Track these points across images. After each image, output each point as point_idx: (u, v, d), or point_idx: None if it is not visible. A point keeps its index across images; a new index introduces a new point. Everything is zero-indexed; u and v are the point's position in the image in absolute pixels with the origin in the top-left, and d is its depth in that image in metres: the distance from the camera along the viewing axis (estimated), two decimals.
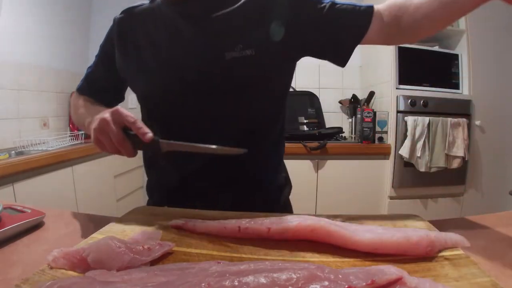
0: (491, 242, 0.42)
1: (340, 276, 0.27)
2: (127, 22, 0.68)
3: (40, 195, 1.38)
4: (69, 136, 1.88)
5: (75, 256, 0.35)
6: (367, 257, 0.36)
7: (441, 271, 0.32)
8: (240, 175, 0.65)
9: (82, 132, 1.96)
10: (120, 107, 0.52)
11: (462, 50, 1.90)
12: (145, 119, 0.69)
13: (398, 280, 0.27)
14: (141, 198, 2.44)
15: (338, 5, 0.59)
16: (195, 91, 0.61)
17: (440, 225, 0.47)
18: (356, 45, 0.61)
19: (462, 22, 1.87)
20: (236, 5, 0.61)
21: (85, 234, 0.44)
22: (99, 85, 0.73)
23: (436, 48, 1.95)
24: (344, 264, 0.34)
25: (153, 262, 0.35)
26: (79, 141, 1.88)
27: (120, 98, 0.77)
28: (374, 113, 1.88)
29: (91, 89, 0.74)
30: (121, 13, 0.70)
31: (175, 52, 0.61)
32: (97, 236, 0.42)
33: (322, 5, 0.59)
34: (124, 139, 0.50)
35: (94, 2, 2.45)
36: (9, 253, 0.41)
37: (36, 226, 0.50)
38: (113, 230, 0.45)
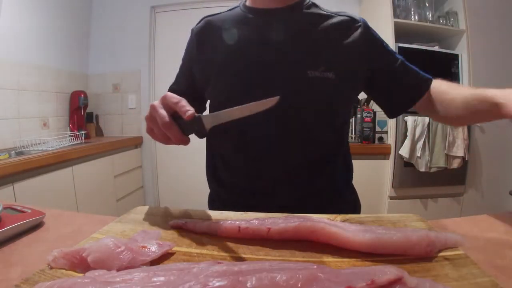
0: (491, 242, 0.42)
1: (340, 276, 0.27)
2: (206, 29, 0.69)
3: (40, 195, 1.38)
4: (69, 136, 1.88)
5: (75, 256, 0.35)
6: (367, 257, 0.36)
7: (441, 271, 0.32)
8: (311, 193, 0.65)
9: (82, 132, 1.96)
10: (168, 92, 0.49)
11: (462, 50, 1.90)
12: (216, 131, 0.70)
13: (398, 280, 0.27)
14: (141, 198, 2.44)
15: (407, 65, 0.67)
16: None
17: (440, 225, 0.47)
18: (410, 106, 0.67)
19: (462, 22, 1.87)
20: (323, 25, 0.63)
21: (85, 234, 0.44)
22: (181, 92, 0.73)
23: (436, 48, 1.95)
24: (344, 264, 0.34)
25: (153, 262, 0.35)
26: (79, 141, 1.88)
27: (202, 110, 0.75)
28: (374, 113, 1.88)
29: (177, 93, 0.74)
30: (198, 23, 0.71)
31: (260, 59, 0.62)
32: (97, 236, 0.42)
33: (396, 58, 0.66)
34: (171, 123, 0.45)
35: (95, 2, 2.46)
36: (9, 253, 0.41)
37: (36, 226, 0.50)
38: (113, 230, 0.45)
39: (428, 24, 1.93)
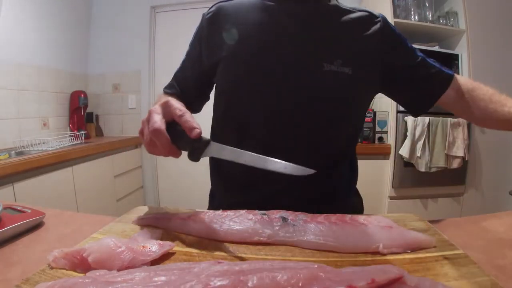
0: (491, 242, 0.42)
1: (341, 276, 0.27)
2: (218, 14, 0.65)
3: (40, 195, 1.38)
4: (69, 136, 1.88)
5: (76, 256, 0.35)
6: (367, 256, 0.36)
7: (441, 270, 0.32)
8: (320, 194, 0.63)
9: (82, 132, 1.96)
10: (173, 99, 0.47)
11: (462, 50, 1.90)
12: (219, 118, 0.68)
13: (398, 279, 0.27)
14: (141, 198, 2.44)
15: (427, 62, 0.65)
16: (284, 90, 0.58)
17: (440, 225, 0.47)
18: (433, 103, 0.66)
19: (462, 22, 1.87)
20: (342, 20, 0.62)
21: (85, 234, 0.44)
22: (185, 84, 0.70)
23: (436, 48, 1.95)
24: (345, 263, 0.34)
25: (154, 262, 0.35)
26: (79, 141, 1.88)
27: (205, 97, 0.74)
28: (374, 113, 1.88)
29: (177, 88, 0.70)
30: (210, 8, 0.67)
31: (276, 45, 0.60)
32: (98, 236, 0.42)
33: (417, 55, 0.64)
34: (160, 131, 0.41)
35: (95, 2, 2.46)
36: (9, 253, 0.41)
37: (36, 226, 0.50)
38: (114, 230, 0.45)
39: (428, 24, 1.93)
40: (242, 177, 0.65)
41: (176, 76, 0.72)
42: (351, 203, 0.71)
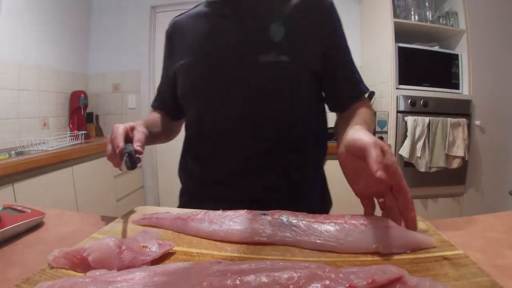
0: (491, 242, 0.42)
1: (341, 275, 0.27)
2: (174, 30, 0.73)
3: (40, 195, 1.38)
4: (69, 136, 1.88)
5: (76, 256, 0.35)
6: (367, 256, 0.36)
7: (440, 270, 0.32)
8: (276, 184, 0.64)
9: (82, 132, 1.96)
10: (139, 126, 0.58)
11: (462, 50, 1.90)
12: (185, 124, 0.74)
13: (398, 279, 0.27)
14: (141, 198, 2.44)
15: (352, 69, 0.65)
16: (229, 89, 0.62)
17: (440, 225, 0.47)
18: (345, 110, 0.65)
19: (462, 22, 1.87)
20: (280, 10, 0.62)
21: (85, 234, 0.44)
22: (165, 96, 0.77)
23: (436, 48, 1.95)
24: (344, 263, 0.34)
25: (154, 262, 0.35)
26: (79, 141, 1.88)
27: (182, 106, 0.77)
28: (374, 113, 1.88)
29: (159, 101, 0.79)
30: (168, 26, 0.75)
31: (215, 49, 0.63)
32: (98, 236, 0.42)
33: (347, 57, 0.65)
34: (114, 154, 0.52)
35: (94, 2, 2.46)
36: (9, 253, 0.41)
37: (36, 226, 0.50)
38: (114, 230, 0.45)
39: (428, 24, 1.93)
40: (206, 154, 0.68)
41: (158, 89, 0.80)
42: (316, 192, 0.71)
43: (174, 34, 0.72)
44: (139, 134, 0.55)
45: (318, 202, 0.71)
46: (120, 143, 0.51)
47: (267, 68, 0.59)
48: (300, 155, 0.65)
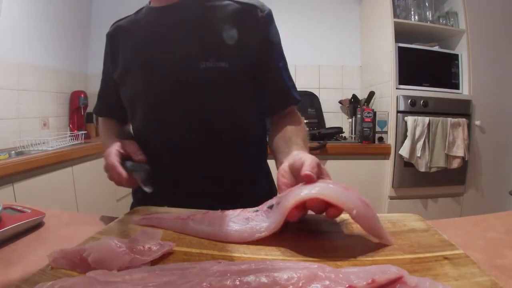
0: (491, 242, 0.42)
1: (341, 275, 0.27)
2: (115, 34, 0.72)
3: (40, 195, 1.38)
4: (69, 136, 1.88)
5: (76, 256, 0.35)
6: (367, 256, 0.36)
7: (440, 270, 0.32)
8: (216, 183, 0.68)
9: (82, 132, 1.96)
10: (121, 141, 0.63)
11: (462, 50, 1.90)
12: (130, 121, 0.75)
13: (398, 279, 0.27)
14: None
15: (281, 77, 0.67)
16: (171, 95, 0.64)
17: (440, 225, 0.47)
18: (271, 115, 0.71)
19: (462, 22, 1.87)
20: (218, 16, 0.64)
21: (85, 234, 0.44)
22: (110, 101, 0.77)
23: (436, 48, 1.95)
24: (344, 263, 0.34)
25: (154, 262, 0.35)
26: (79, 141, 1.88)
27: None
28: (374, 113, 1.88)
29: (105, 107, 0.79)
30: (110, 28, 0.74)
31: (155, 57, 0.64)
32: (98, 236, 0.42)
33: (279, 65, 0.67)
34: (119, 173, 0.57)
35: (94, 2, 2.45)
36: (9, 253, 0.41)
37: (36, 226, 0.50)
38: (114, 230, 0.45)
39: (428, 24, 1.93)
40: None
41: (99, 97, 0.80)
42: (262, 186, 0.75)
43: (117, 39, 0.72)
44: (132, 146, 0.61)
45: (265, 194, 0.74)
46: (122, 172, 0.57)
47: (206, 74, 0.61)
48: (241, 153, 0.69)
